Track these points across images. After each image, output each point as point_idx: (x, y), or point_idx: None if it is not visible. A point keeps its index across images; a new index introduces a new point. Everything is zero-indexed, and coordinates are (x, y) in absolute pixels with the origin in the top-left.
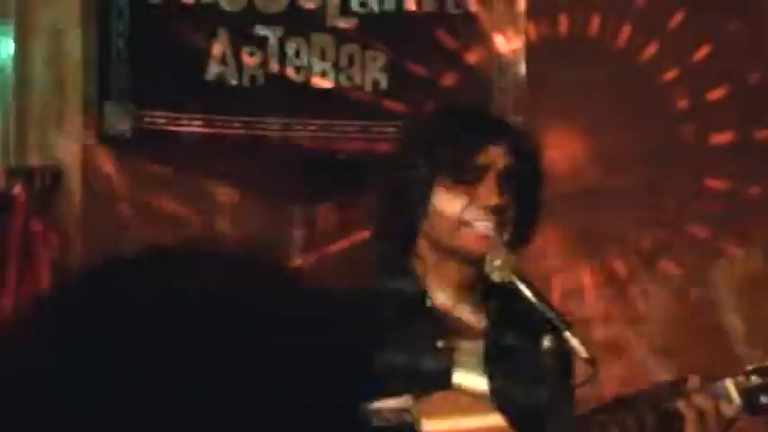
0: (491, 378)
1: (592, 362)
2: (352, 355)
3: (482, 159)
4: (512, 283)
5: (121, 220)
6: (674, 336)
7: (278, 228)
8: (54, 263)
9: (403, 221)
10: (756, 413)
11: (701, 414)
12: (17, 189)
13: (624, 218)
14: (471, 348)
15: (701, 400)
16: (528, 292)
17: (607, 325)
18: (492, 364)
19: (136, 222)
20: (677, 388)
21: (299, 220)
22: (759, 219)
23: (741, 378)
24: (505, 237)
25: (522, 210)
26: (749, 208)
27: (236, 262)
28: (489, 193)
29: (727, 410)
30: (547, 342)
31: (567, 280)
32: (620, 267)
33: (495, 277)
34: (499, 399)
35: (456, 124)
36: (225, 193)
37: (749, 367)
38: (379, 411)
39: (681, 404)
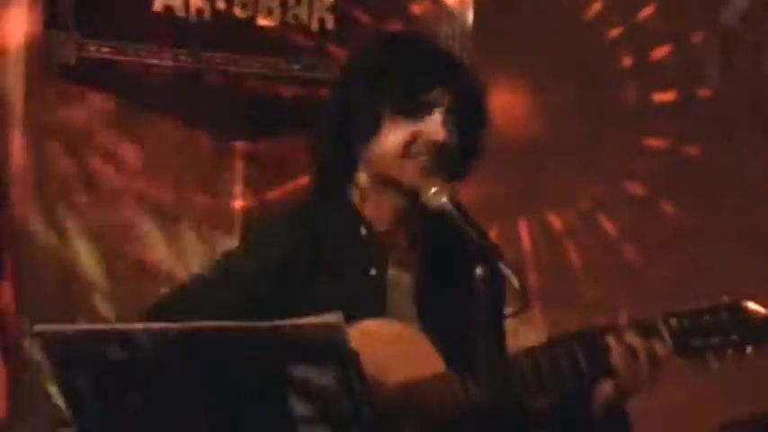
0: (422, 307)
1: (523, 291)
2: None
3: (430, 96)
4: (447, 211)
5: (65, 148)
6: (606, 290)
7: (220, 163)
8: None
9: (344, 150)
10: (687, 355)
11: (631, 351)
12: None
13: (563, 172)
14: (403, 277)
15: (632, 338)
16: (462, 221)
17: (540, 276)
18: (425, 293)
19: (79, 150)
20: (609, 327)
21: (241, 155)
22: (696, 178)
23: (673, 320)
24: (445, 169)
25: (463, 145)
26: (687, 167)
27: None
28: (435, 129)
29: (660, 350)
30: (479, 271)
31: (504, 230)
32: (555, 221)
33: (431, 204)
34: (430, 327)
35: (406, 58)
36: (168, 125)
37: (681, 310)
38: (305, 326)
39: (611, 340)
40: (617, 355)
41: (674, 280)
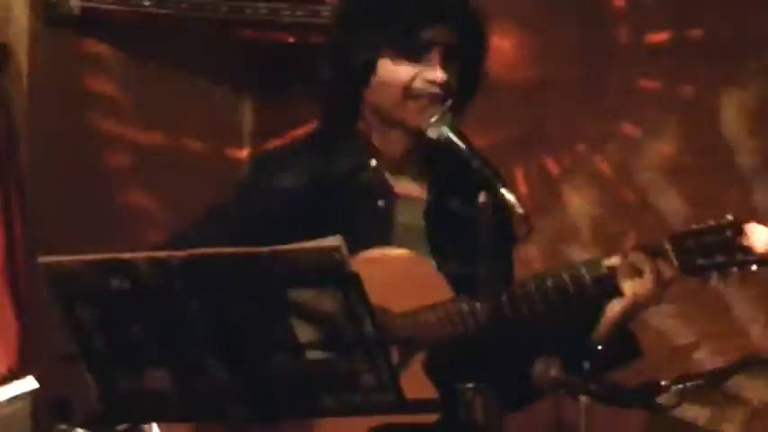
0: (432, 236)
1: (526, 217)
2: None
3: (429, 35)
4: (448, 139)
5: (67, 100)
6: (602, 230)
7: (227, 114)
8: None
9: (347, 89)
10: (692, 274)
11: (637, 270)
12: None
13: (558, 114)
14: (413, 207)
15: (637, 257)
16: (464, 147)
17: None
18: (434, 222)
19: (82, 102)
20: (616, 251)
21: (247, 103)
22: (690, 118)
23: (678, 239)
24: (446, 106)
25: (463, 81)
26: (681, 107)
27: None
28: (434, 68)
29: (666, 270)
30: (482, 198)
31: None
32: (551, 164)
33: (432, 133)
34: (440, 255)
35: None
36: (172, 76)
37: (686, 230)
38: (305, 250)
39: (617, 260)
40: (623, 275)
41: (671, 215)
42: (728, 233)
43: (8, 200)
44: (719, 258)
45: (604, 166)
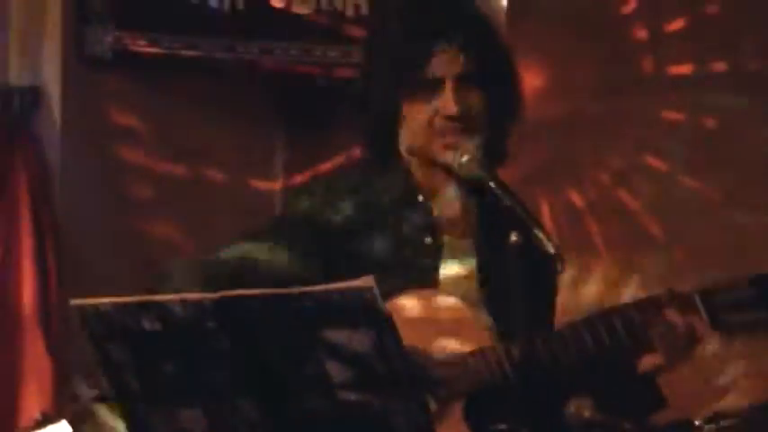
0: (478, 276)
1: (559, 256)
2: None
3: (435, 69)
4: (479, 179)
5: (100, 141)
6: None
7: (261, 151)
8: (33, 180)
9: (384, 131)
10: (723, 330)
11: (670, 327)
12: None
13: (582, 148)
14: (459, 246)
15: (671, 314)
16: (496, 188)
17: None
18: (480, 261)
19: (115, 143)
20: (649, 303)
21: (282, 143)
22: (714, 150)
23: (710, 295)
24: (477, 139)
25: (494, 102)
26: (705, 139)
27: None
28: (447, 103)
29: (698, 326)
30: (514, 237)
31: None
32: (576, 198)
33: (463, 173)
34: (485, 295)
35: (408, 29)
36: (206, 116)
37: (717, 285)
38: (337, 291)
39: (651, 317)
40: (657, 333)
41: (697, 252)
42: (762, 289)
43: (43, 244)
44: (751, 315)
45: (629, 199)
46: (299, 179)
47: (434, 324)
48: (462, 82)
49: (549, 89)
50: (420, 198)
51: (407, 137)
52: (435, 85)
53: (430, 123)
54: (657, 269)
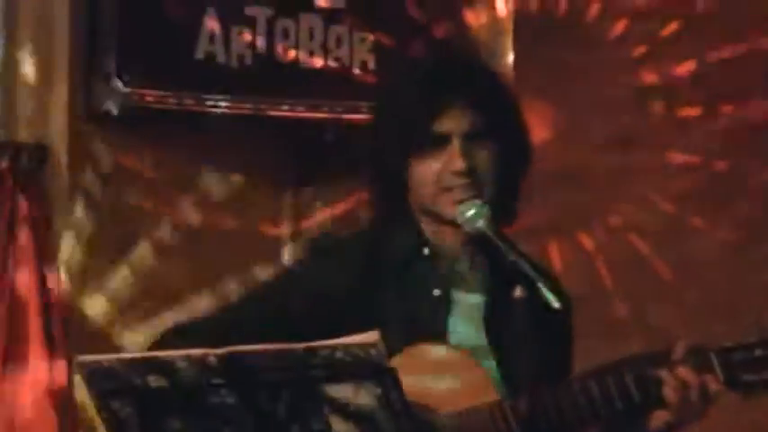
0: (487, 330)
1: (564, 312)
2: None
3: (443, 126)
4: (483, 233)
5: (108, 199)
6: (643, 308)
7: (269, 208)
8: (40, 239)
9: (393, 190)
10: (738, 390)
11: (684, 385)
12: (4, 164)
13: (592, 192)
14: (468, 300)
15: (685, 372)
16: (500, 243)
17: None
18: (489, 316)
19: (123, 201)
20: (661, 357)
21: (290, 200)
22: (725, 194)
23: (725, 354)
24: (484, 194)
25: (504, 161)
26: (715, 183)
27: None
28: (454, 157)
29: (712, 384)
30: (518, 291)
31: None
32: (587, 242)
33: (467, 227)
34: (495, 351)
35: (415, 90)
36: (213, 173)
37: (734, 344)
38: (341, 346)
39: (664, 373)
40: (670, 390)
41: (710, 299)
42: None
43: (49, 302)
44: (766, 375)
45: (640, 243)
46: (306, 224)
47: (441, 379)
48: (471, 138)
49: (555, 134)
50: (427, 252)
51: (416, 194)
52: (443, 141)
53: (438, 180)
54: (668, 315)
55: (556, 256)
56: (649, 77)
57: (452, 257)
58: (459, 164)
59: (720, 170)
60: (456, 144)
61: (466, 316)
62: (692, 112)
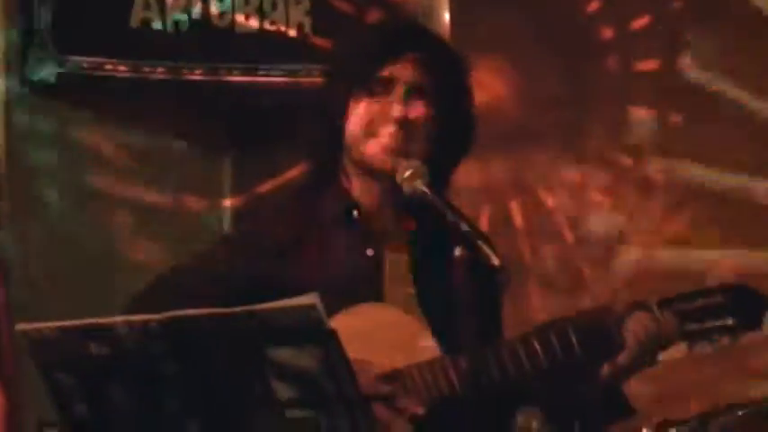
0: (419, 289)
1: (503, 269)
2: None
3: (389, 72)
4: (422, 194)
5: (46, 166)
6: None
7: (207, 173)
8: None
9: (327, 137)
10: (680, 339)
11: (636, 335)
12: None
13: (552, 150)
14: (398, 259)
15: (642, 317)
16: (438, 202)
17: (536, 258)
18: (420, 275)
19: (60, 168)
20: (605, 311)
21: (228, 165)
22: (682, 146)
23: (669, 304)
24: (416, 149)
25: (445, 125)
26: (673, 136)
27: None
28: (394, 104)
29: (665, 332)
30: (458, 251)
31: (496, 214)
32: (548, 199)
33: (405, 188)
34: (428, 309)
35: (370, 35)
36: (151, 140)
37: (676, 294)
38: (281, 309)
39: (609, 323)
40: (614, 339)
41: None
42: (720, 298)
43: None
44: (710, 324)
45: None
46: (246, 192)
47: (380, 339)
48: (414, 90)
49: (512, 94)
50: (356, 213)
51: (348, 139)
52: (386, 87)
53: (371, 122)
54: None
55: (517, 214)
56: (605, 31)
57: (383, 218)
58: (398, 110)
59: (677, 122)
60: (399, 91)
61: (399, 275)
62: (649, 65)
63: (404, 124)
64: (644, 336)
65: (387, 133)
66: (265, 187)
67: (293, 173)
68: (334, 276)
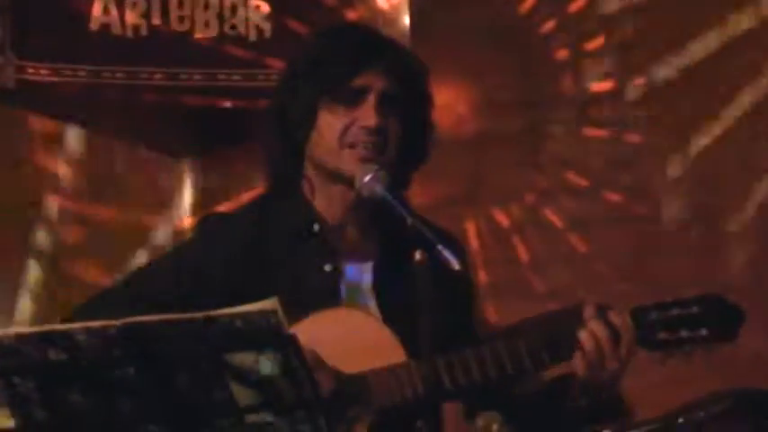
0: (380, 298)
1: (463, 273)
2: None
3: (361, 81)
4: (382, 198)
5: (5, 172)
6: (554, 281)
7: (165, 178)
8: None
9: (289, 146)
10: (653, 348)
11: (597, 342)
12: None
13: (506, 166)
14: (360, 270)
15: (597, 328)
16: (397, 205)
17: (489, 271)
18: (381, 285)
19: (19, 174)
20: (572, 315)
21: (188, 169)
22: (637, 166)
23: (640, 312)
24: (387, 157)
25: (407, 132)
26: (628, 155)
27: None
28: (368, 114)
29: (626, 341)
30: (418, 256)
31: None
32: (501, 216)
33: (365, 192)
34: (390, 318)
35: (338, 45)
36: (110, 144)
37: (649, 303)
38: (240, 314)
39: (577, 331)
40: (583, 349)
41: (621, 266)
42: (694, 308)
43: None
44: (683, 334)
45: (554, 217)
46: (205, 196)
47: (344, 340)
48: (386, 99)
49: (469, 109)
50: (317, 227)
51: (317, 148)
52: (358, 97)
53: (344, 134)
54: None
55: (472, 231)
56: (560, 51)
57: (343, 229)
58: (373, 120)
59: (632, 143)
60: (372, 100)
61: (358, 287)
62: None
63: (378, 133)
64: (594, 347)
65: (361, 143)
66: (227, 204)
67: (253, 182)
68: (291, 291)
